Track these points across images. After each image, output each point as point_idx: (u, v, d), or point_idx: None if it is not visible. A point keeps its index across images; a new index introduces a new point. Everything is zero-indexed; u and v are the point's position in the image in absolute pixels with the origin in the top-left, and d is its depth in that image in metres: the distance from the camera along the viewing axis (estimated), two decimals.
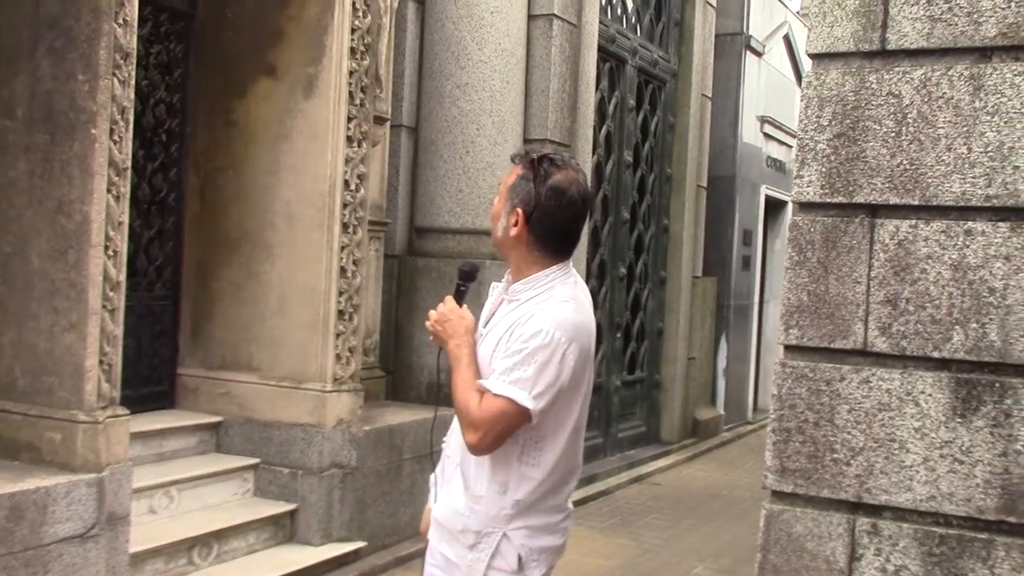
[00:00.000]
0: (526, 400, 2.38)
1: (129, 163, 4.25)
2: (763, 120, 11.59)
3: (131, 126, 4.27)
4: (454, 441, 2.66)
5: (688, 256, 9.93)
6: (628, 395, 9.27)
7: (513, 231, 2.51)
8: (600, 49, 8.02)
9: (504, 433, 2.43)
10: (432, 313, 2.65)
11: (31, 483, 3.88)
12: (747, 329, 11.70)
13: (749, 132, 11.31)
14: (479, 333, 2.63)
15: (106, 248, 4.14)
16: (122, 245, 4.23)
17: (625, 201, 8.98)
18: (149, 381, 5.68)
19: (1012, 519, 1.86)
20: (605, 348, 8.71)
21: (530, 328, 2.42)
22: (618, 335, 8.96)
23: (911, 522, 1.94)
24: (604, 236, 8.65)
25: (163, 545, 4.69)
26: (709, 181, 10.40)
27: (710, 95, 10.29)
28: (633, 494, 8.00)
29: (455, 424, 2.65)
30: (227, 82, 5.71)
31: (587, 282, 7.93)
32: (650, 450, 9.36)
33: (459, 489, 2.59)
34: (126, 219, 4.25)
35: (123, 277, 4.26)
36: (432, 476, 2.78)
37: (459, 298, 2.67)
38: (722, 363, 11.11)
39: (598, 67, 8.03)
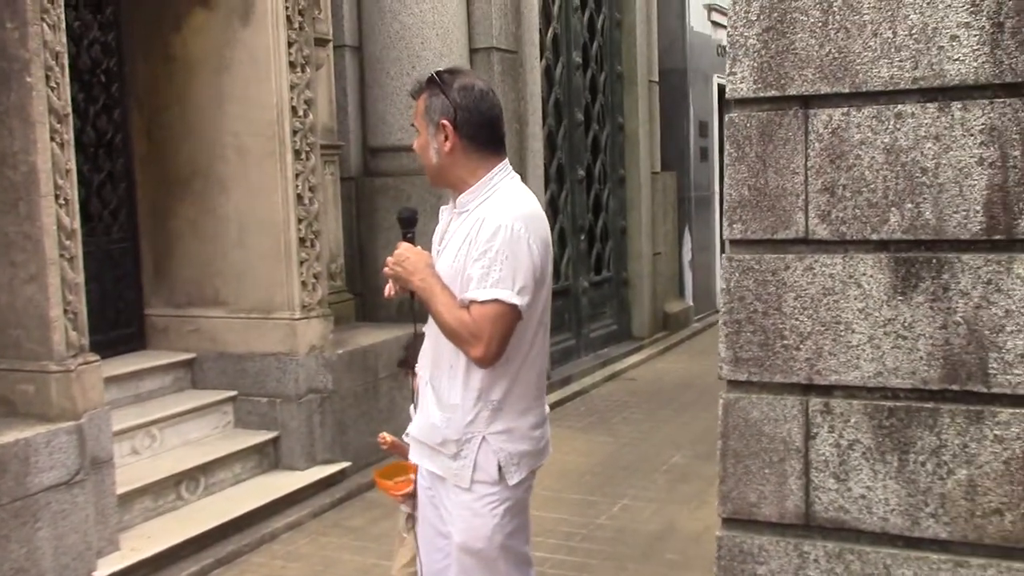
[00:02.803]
0: (512, 297, 2.44)
1: (70, 108, 4.20)
2: (710, 8, 11.49)
3: (67, 70, 4.20)
4: (424, 362, 2.72)
5: (645, 152, 9.94)
6: (597, 295, 9.38)
7: (447, 145, 2.55)
8: None
9: (505, 336, 2.48)
10: (388, 259, 2.67)
11: (10, 436, 3.92)
12: (710, 220, 11.80)
13: (698, 21, 11.22)
14: (435, 251, 2.66)
15: (56, 197, 4.11)
16: (72, 192, 4.20)
17: (578, 103, 8.94)
18: (117, 324, 5.69)
19: (955, 387, 1.95)
20: (570, 251, 8.77)
21: (488, 229, 2.46)
22: (582, 237, 9.02)
23: (861, 398, 2.03)
24: (560, 140, 8.63)
25: (150, 484, 4.77)
26: (661, 75, 10.35)
27: None
28: (609, 391, 8.17)
29: (425, 346, 2.71)
30: (161, 16, 5.59)
31: (546, 187, 8.05)
32: (623, 347, 9.51)
33: (432, 404, 2.65)
34: (73, 165, 4.21)
35: (78, 224, 4.24)
36: (411, 407, 2.85)
37: (410, 243, 2.70)
38: (687, 255, 11.23)
39: None
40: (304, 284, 5.51)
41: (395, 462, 3.13)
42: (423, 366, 2.73)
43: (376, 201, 6.80)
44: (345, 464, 5.64)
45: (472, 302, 2.47)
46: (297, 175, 5.45)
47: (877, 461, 2.02)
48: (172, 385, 5.62)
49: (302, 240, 5.49)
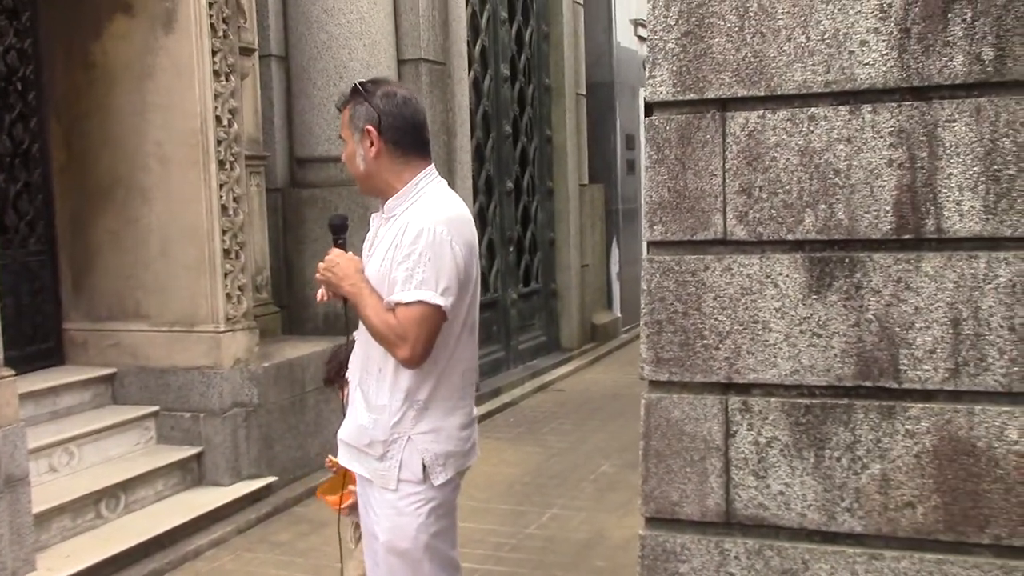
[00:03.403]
0: (435, 298, 2.49)
1: None
2: (637, 23, 11.64)
3: None
4: (354, 366, 2.75)
5: (573, 165, 10.01)
6: (526, 307, 9.41)
7: (372, 151, 2.60)
8: None
9: (430, 336, 2.52)
10: (319, 265, 2.71)
11: None
12: (637, 232, 11.90)
13: (624, 36, 11.36)
14: (365, 257, 2.70)
15: None
16: None
17: (506, 115, 8.97)
18: (34, 339, 5.55)
19: (868, 383, 1.99)
20: (499, 263, 8.79)
21: (411, 233, 2.52)
22: (511, 249, 9.05)
23: (778, 396, 2.07)
24: (488, 152, 8.65)
25: (68, 502, 4.64)
26: (588, 88, 10.45)
27: (582, 1, 10.28)
28: (538, 402, 8.18)
29: (356, 350, 2.75)
30: (80, 23, 5.48)
31: (475, 198, 8.06)
32: (552, 358, 9.55)
33: (361, 407, 2.68)
34: None
35: None
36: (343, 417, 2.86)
37: (341, 249, 2.74)
38: (615, 267, 11.33)
39: None
40: (229, 296, 5.43)
41: (334, 476, 3.11)
42: (353, 370, 2.76)
43: (303, 212, 6.74)
44: (271, 479, 5.56)
45: (397, 304, 2.51)
46: (221, 185, 5.37)
47: (795, 458, 2.06)
48: (91, 401, 5.49)
49: (226, 251, 5.42)
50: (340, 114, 2.69)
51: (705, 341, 2.09)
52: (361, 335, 2.70)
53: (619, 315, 11.22)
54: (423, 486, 2.60)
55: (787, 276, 2.03)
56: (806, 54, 1.98)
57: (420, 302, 2.48)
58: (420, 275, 2.49)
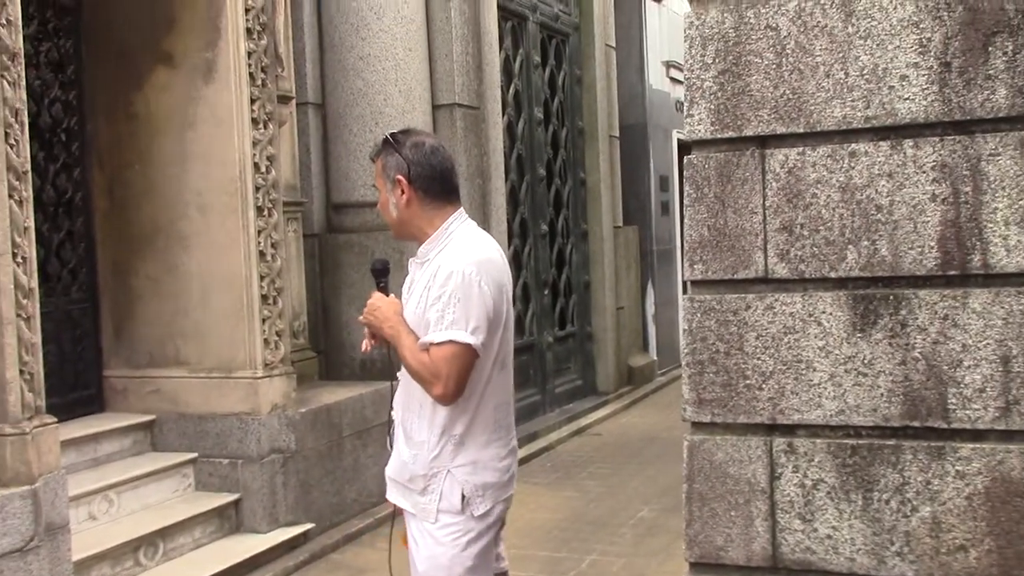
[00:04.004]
0: (466, 337, 2.61)
1: (29, 166, 4.16)
2: (668, 65, 11.69)
3: (26, 128, 4.17)
4: (397, 405, 2.88)
5: (607, 207, 10.01)
6: (561, 350, 9.37)
7: (403, 199, 2.76)
8: (500, 8, 8.00)
9: (462, 374, 2.64)
10: (365, 310, 2.86)
11: None
12: (672, 273, 11.88)
13: (656, 78, 11.40)
14: (404, 300, 2.83)
15: (14, 255, 4.05)
16: (31, 250, 4.15)
17: (540, 158, 9.01)
18: (75, 386, 5.59)
19: (916, 423, 1.95)
20: (534, 306, 8.78)
21: (442, 276, 2.65)
22: (546, 292, 9.04)
23: (824, 437, 2.03)
24: (522, 195, 8.68)
25: (107, 549, 4.65)
26: (621, 130, 10.48)
27: (614, 44, 10.34)
28: (575, 447, 8.12)
29: (399, 389, 2.87)
30: (123, 74, 5.59)
31: (510, 242, 8.07)
32: (588, 402, 9.48)
33: (402, 443, 2.81)
34: (32, 223, 4.17)
35: (35, 283, 4.18)
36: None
37: (383, 292, 2.88)
38: (651, 309, 11.27)
39: (500, 26, 8.02)
40: (267, 341, 5.46)
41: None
42: (396, 408, 2.89)
43: (339, 257, 6.78)
44: (309, 525, 5.54)
45: (431, 344, 2.63)
46: (259, 232, 5.42)
47: (842, 500, 2.01)
48: (131, 448, 5.51)
49: (264, 297, 5.45)
50: (374, 164, 2.85)
51: (748, 381, 2.06)
52: (403, 375, 2.82)
53: (655, 358, 11.15)
54: (461, 516, 2.70)
55: (830, 314, 2.00)
56: (845, 90, 1.97)
57: (451, 341, 2.60)
58: (451, 316, 2.61)
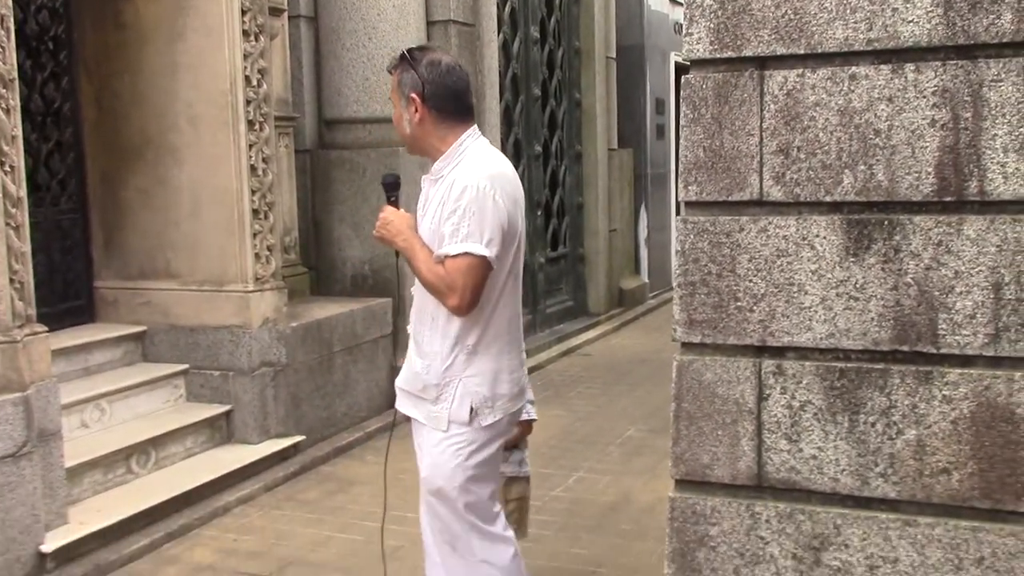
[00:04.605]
0: (481, 249, 2.66)
1: (15, 74, 4.09)
2: None
3: (12, 35, 4.09)
4: (412, 317, 2.94)
5: (602, 129, 9.93)
6: (553, 271, 9.39)
7: (416, 116, 2.78)
8: None
9: (477, 285, 2.70)
10: (377, 223, 2.90)
11: None
12: (666, 197, 11.84)
13: None
14: (419, 217, 2.88)
15: (2, 164, 4.01)
16: (19, 159, 4.10)
17: (535, 78, 8.90)
18: (66, 296, 5.59)
19: (905, 348, 1.97)
20: (527, 226, 8.74)
21: (457, 190, 2.70)
22: (539, 213, 9.01)
23: (813, 360, 2.04)
24: (516, 115, 8.59)
25: (99, 457, 4.70)
26: (618, 51, 10.34)
27: None
28: (564, 367, 8.18)
29: (413, 303, 2.93)
30: None
31: None
32: (578, 323, 9.53)
33: (415, 354, 2.88)
34: (19, 132, 4.11)
35: (24, 193, 4.14)
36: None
37: (394, 206, 2.92)
38: (643, 232, 11.27)
39: None
40: (258, 256, 5.45)
41: None
42: (411, 321, 2.96)
43: (331, 174, 6.73)
44: (299, 438, 5.60)
45: (446, 256, 2.68)
46: (251, 146, 5.37)
47: (828, 422, 2.04)
48: (122, 358, 5.54)
49: (256, 212, 5.42)
50: (391, 77, 2.86)
51: (739, 303, 2.07)
52: (417, 288, 2.87)
53: (646, 280, 11.18)
54: (468, 427, 2.78)
55: (824, 238, 2.00)
56: (848, 11, 1.94)
57: (466, 253, 2.65)
58: (466, 228, 2.66)
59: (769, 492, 2.10)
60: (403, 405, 2.96)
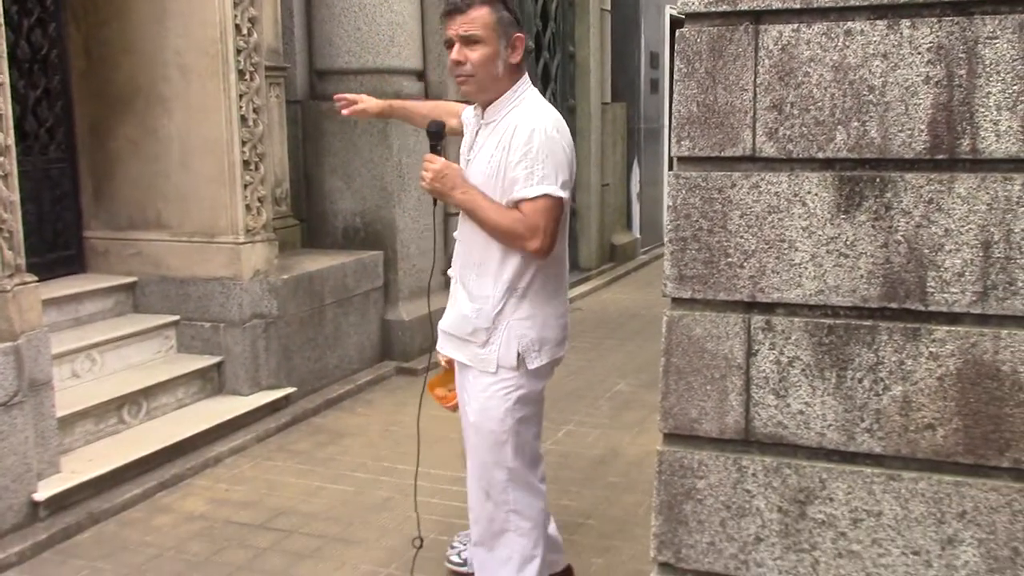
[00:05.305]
0: (558, 191, 2.70)
1: (1, 19, 4.04)
2: None
3: None
4: (456, 263, 2.96)
5: (596, 82, 9.87)
6: None
7: (515, 58, 2.78)
8: None
9: (555, 227, 2.73)
10: (424, 175, 2.85)
11: None
12: (658, 152, 11.80)
13: None
14: (463, 162, 2.88)
15: None
16: (6, 107, 4.07)
17: (529, 29, 8.81)
18: (55, 246, 5.58)
19: (893, 305, 1.97)
20: None
21: (523, 134, 2.69)
22: None
23: (802, 316, 2.05)
24: None
25: (91, 407, 4.72)
26: (613, 4, 10.24)
27: None
28: None
29: (457, 249, 2.94)
30: None
31: None
32: (570, 277, 9.51)
33: (464, 299, 2.88)
34: (7, 79, 4.08)
35: (12, 140, 4.11)
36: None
37: (438, 155, 2.88)
38: (635, 187, 11.24)
39: None
40: (248, 207, 5.43)
41: (445, 372, 3.23)
42: (455, 267, 2.97)
43: (323, 125, 6.69)
44: (290, 390, 5.63)
45: (522, 200, 2.68)
46: (241, 96, 5.33)
47: (816, 378, 2.05)
48: (113, 309, 5.54)
49: (246, 163, 5.40)
50: (465, 11, 2.74)
51: (730, 259, 2.07)
52: (463, 235, 2.87)
53: (638, 236, 11.18)
54: (516, 372, 2.80)
55: (816, 195, 1.99)
56: None
57: (545, 195, 2.67)
58: (540, 171, 2.66)
59: (756, 446, 2.12)
60: (446, 348, 2.98)
